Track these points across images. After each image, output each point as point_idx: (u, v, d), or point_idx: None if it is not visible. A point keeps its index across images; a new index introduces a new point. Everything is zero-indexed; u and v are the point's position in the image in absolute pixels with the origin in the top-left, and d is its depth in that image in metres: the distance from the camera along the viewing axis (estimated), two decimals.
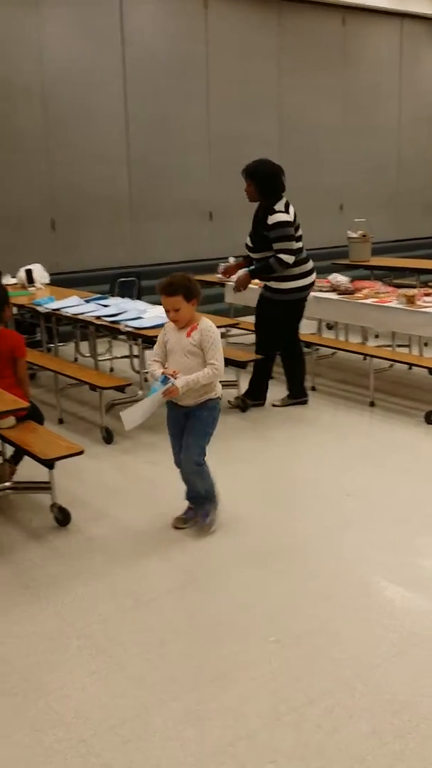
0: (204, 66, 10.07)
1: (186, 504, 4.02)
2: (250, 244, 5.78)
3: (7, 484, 4.28)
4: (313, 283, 5.79)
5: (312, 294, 6.47)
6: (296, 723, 2.55)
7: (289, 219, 5.46)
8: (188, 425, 3.79)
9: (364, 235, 7.96)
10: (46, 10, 8.69)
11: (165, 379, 3.58)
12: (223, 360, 3.71)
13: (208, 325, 3.70)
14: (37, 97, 8.81)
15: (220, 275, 6.74)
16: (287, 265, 5.51)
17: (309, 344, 6.58)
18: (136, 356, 6.24)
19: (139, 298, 7.26)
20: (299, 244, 5.60)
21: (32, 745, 2.48)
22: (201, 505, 3.94)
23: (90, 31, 9.05)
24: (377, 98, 11.97)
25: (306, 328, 7.39)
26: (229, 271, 6.20)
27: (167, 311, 3.70)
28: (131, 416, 3.69)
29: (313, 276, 5.77)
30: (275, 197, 5.51)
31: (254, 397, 5.91)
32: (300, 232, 5.61)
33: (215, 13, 10.02)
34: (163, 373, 3.62)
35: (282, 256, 5.47)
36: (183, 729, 2.54)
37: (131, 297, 7.21)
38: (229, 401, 5.94)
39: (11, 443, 4.24)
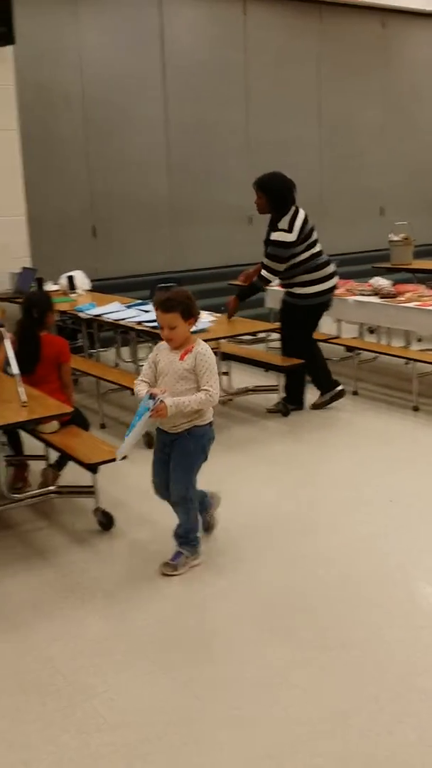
0: (243, 71, 10.09)
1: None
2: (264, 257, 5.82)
3: (51, 488, 4.32)
4: (335, 287, 5.81)
5: (353, 298, 6.46)
6: (342, 729, 2.53)
7: (288, 240, 5.48)
8: (174, 455, 3.53)
9: (406, 238, 7.89)
10: (86, 17, 8.79)
11: (152, 398, 3.32)
12: (219, 387, 3.43)
13: (204, 348, 3.43)
14: (77, 104, 8.91)
15: (240, 281, 6.61)
16: (268, 282, 5.65)
17: (351, 348, 6.53)
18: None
19: None
20: (316, 249, 5.63)
21: (79, 748, 2.50)
22: (179, 543, 3.62)
23: (130, 38, 9.13)
24: (419, 100, 11.88)
25: (347, 332, 7.36)
26: (248, 277, 6.17)
27: (162, 329, 3.44)
28: (124, 445, 3.44)
29: (335, 279, 5.78)
30: (283, 212, 5.52)
31: (293, 401, 5.89)
32: (315, 236, 5.64)
33: (254, 19, 10.04)
34: (149, 392, 3.36)
35: (264, 273, 5.59)
36: (228, 734, 2.53)
37: None
38: (267, 409, 5.93)
39: (55, 448, 4.28)
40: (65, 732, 2.58)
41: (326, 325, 7.46)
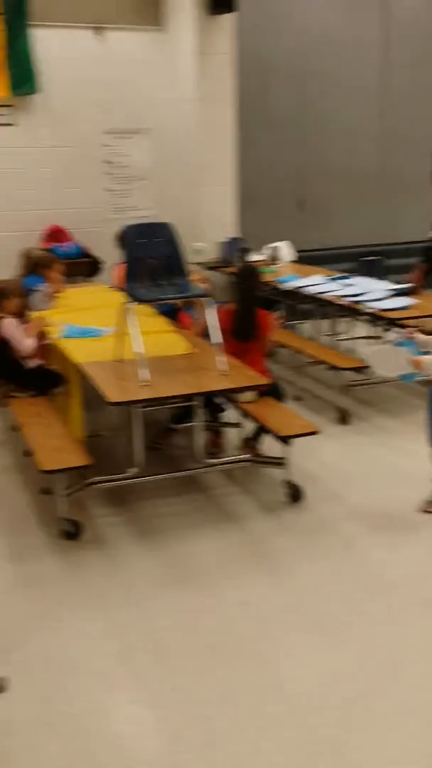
0: None
1: None
2: None
3: (245, 456, 4.40)
4: None
5: None
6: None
7: None
8: None
9: None
10: None
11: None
12: None
13: None
14: (292, 73, 8.84)
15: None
16: None
17: None
18: (377, 338, 6.12)
19: (384, 277, 7.09)
20: None
21: (251, 711, 2.56)
22: None
23: (349, 2, 8.93)
24: None
25: None
26: (417, 279, 5.89)
27: None
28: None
29: None
30: None
31: None
32: None
33: None
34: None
35: None
36: (406, 720, 2.49)
37: (377, 276, 7.07)
38: None
39: (251, 417, 4.35)
40: (241, 695, 2.65)
41: None
